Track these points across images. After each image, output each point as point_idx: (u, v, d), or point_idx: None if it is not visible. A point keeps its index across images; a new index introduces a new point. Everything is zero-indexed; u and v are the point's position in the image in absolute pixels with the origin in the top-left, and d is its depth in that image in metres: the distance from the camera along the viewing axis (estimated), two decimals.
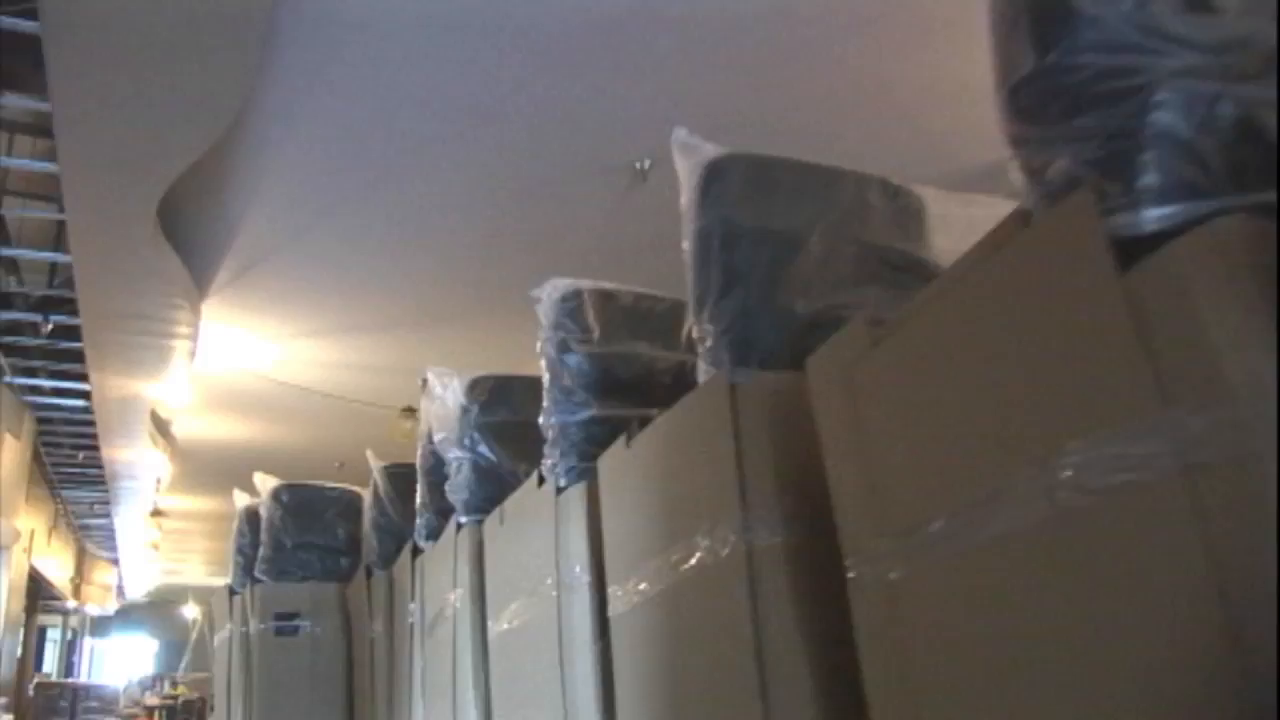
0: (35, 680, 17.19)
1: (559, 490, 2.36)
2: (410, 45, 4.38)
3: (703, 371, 1.83)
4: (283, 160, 5.25)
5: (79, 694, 16.52)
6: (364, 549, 4.76)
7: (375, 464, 4.63)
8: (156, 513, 15.00)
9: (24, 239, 6.27)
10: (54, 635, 24.91)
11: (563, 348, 2.48)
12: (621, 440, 2.08)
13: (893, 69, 4.75)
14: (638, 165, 5.20)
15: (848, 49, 4.57)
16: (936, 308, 1.26)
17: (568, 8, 4.23)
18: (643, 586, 1.90)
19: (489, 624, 2.79)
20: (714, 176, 1.91)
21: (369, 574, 4.60)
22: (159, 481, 12.09)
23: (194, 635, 24.77)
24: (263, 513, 5.44)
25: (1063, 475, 1.04)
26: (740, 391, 1.64)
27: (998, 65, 1.23)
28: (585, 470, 2.29)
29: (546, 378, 2.51)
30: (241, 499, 6.04)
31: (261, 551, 5.35)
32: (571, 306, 2.51)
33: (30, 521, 11.83)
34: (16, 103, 4.26)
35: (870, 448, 1.33)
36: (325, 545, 5.29)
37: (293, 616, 5.13)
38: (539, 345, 2.54)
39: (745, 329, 1.78)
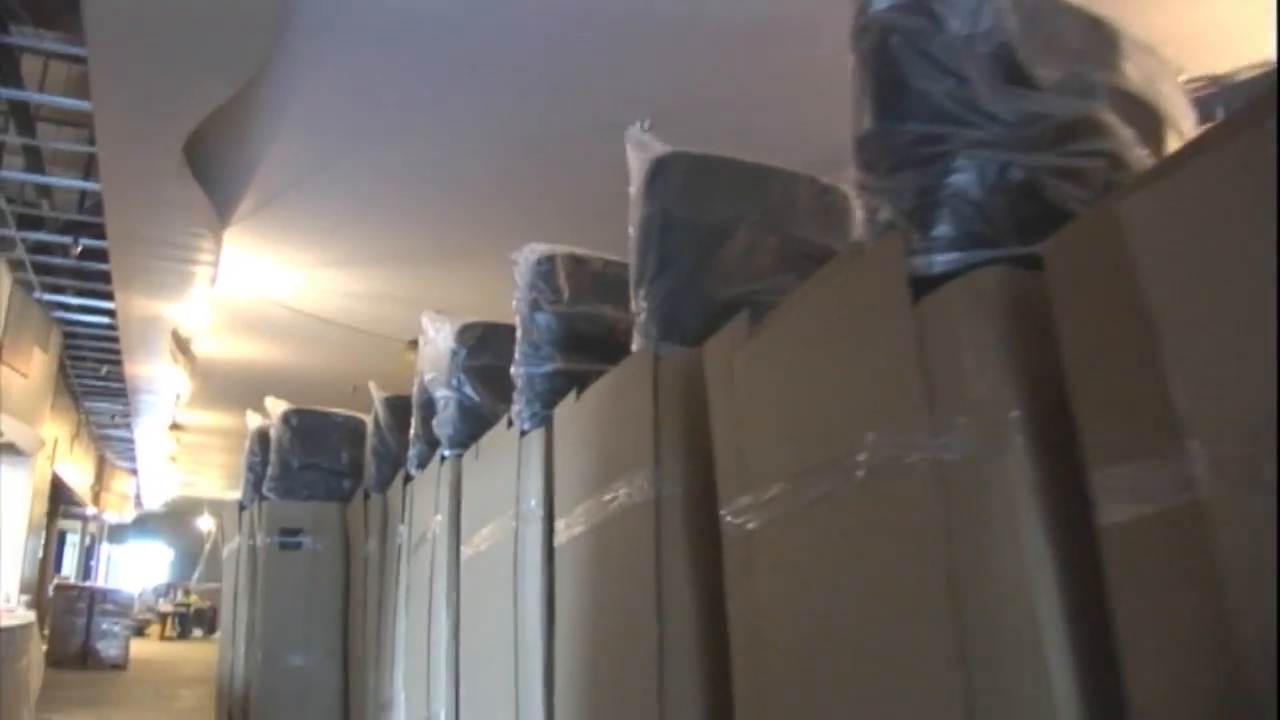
0: (55, 582, 17.72)
1: (522, 433, 2.68)
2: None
3: (636, 341, 2.14)
4: (305, 98, 5.50)
5: (96, 597, 16.97)
6: (364, 473, 5.12)
7: (377, 394, 4.97)
8: (175, 426, 15.44)
9: (57, 163, 6.56)
10: (73, 540, 25.44)
11: (534, 306, 2.78)
12: (573, 394, 2.40)
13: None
14: (642, 124, 5.42)
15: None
16: (792, 313, 1.56)
17: None
18: (581, 521, 2.23)
19: (462, 548, 3.12)
20: (658, 172, 2.20)
21: (366, 496, 4.95)
22: (178, 397, 12.49)
23: (208, 547, 25.40)
24: (272, 434, 5.80)
25: (859, 457, 1.34)
26: (662, 363, 1.94)
27: (853, 121, 1.51)
28: (545, 417, 2.61)
29: (519, 332, 2.81)
30: (254, 420, 6.41)
31: (270, 470, 5.72)
32: (545, 269, 2.81)
33: (54, 430, 12.27)
34: (54, 46, 4.54)
35: (740, 420, 1.64)
36: (329, 468, 5.65)
37: (296, 532, 5.50)
38: (514, 303, 2.85)
39: (672, 308, 2.09)
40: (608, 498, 2.07)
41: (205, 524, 26.76)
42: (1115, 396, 1.09)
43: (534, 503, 2.53)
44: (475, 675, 2.94)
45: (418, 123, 5.73)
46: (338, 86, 5.37)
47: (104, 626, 16.76)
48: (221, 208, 6.47)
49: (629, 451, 2.00)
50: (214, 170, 5.93)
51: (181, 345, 9.79)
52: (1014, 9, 1.42)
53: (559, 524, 2.37)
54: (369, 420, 5.15)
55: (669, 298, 2.09)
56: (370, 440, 5.00)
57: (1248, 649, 0.90)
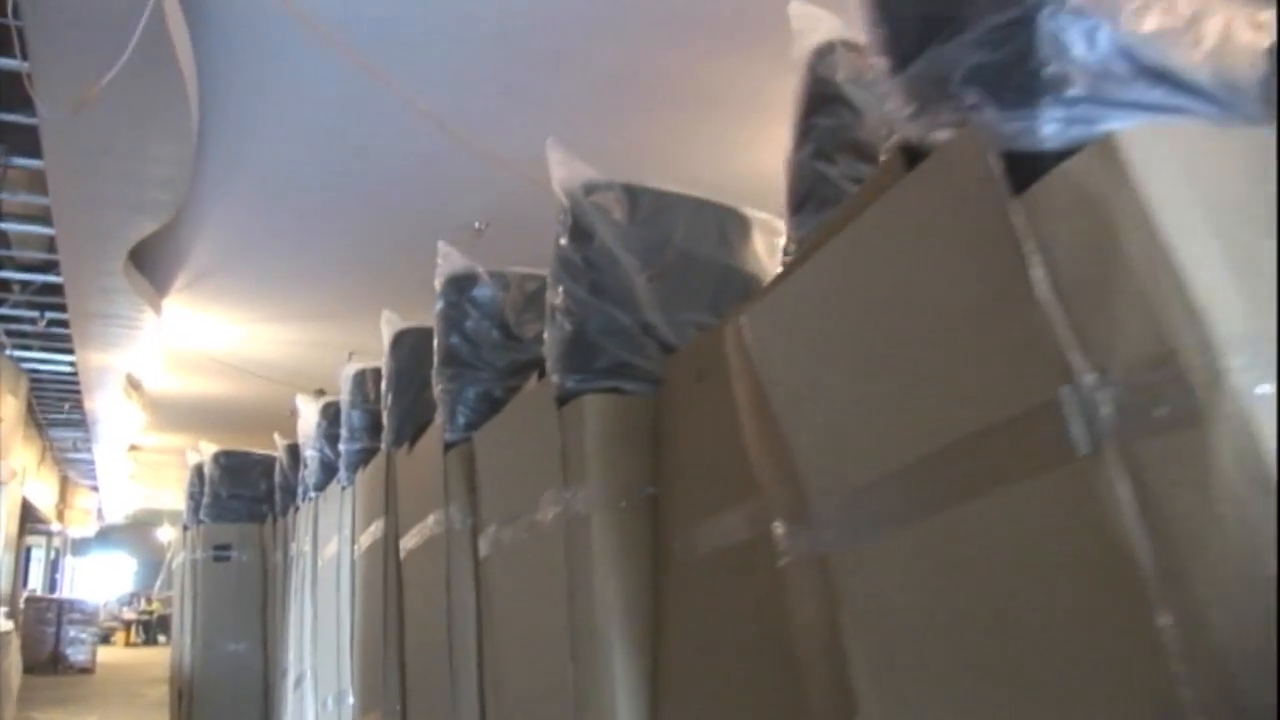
0: (25, 595, 19.03)
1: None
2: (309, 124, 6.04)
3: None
4: (226, 206, 7.04)
5: (64, 607, 18.33)
6: (275, 499, 6.67)
7: (279, 441, 6.54)
8: (134, 448, 16.87)
9: (26, 247, 8.04)
10: (38, 555, 26.34)
11: (350, 405, 4.34)
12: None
13: None
14: (476, 225, 6.97)
15: None
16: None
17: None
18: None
19: (318, 557, 4.68)
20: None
21: (275, 519, 6.51)
22: (135, 425, 13.97)
23: (169, 557, 26.63)
24: (205, 471, 7.35)
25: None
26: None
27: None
28: (351, 479, 4.18)
29: (343, 420, 4.38)
30: (193, 457, 7.94)
31: (204, 499, 7.27)
32: (358, 378, 4.37)
33: (22, 457, 13.72)
34: (22, 162, 5.89)
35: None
36: (250, 496, 7.20)
37: (226, 548, 7.06)
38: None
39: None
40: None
41: (165, 534, 27.68)
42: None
43: (348, 527, 4.12)
44: (321, 640, 4.53)
45: (317, 220, 7.29)
46: (251, 196, 6.90)
47: (72, 634, 18.10)
48: (160, 285, 8.00)
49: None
50: (152, 257, 7.44)
51: (134, 384, 11.28)
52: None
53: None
54: (279, 457, 6.71)
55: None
56: (277, 477, 6.57)
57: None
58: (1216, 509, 0.86)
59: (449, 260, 3.01)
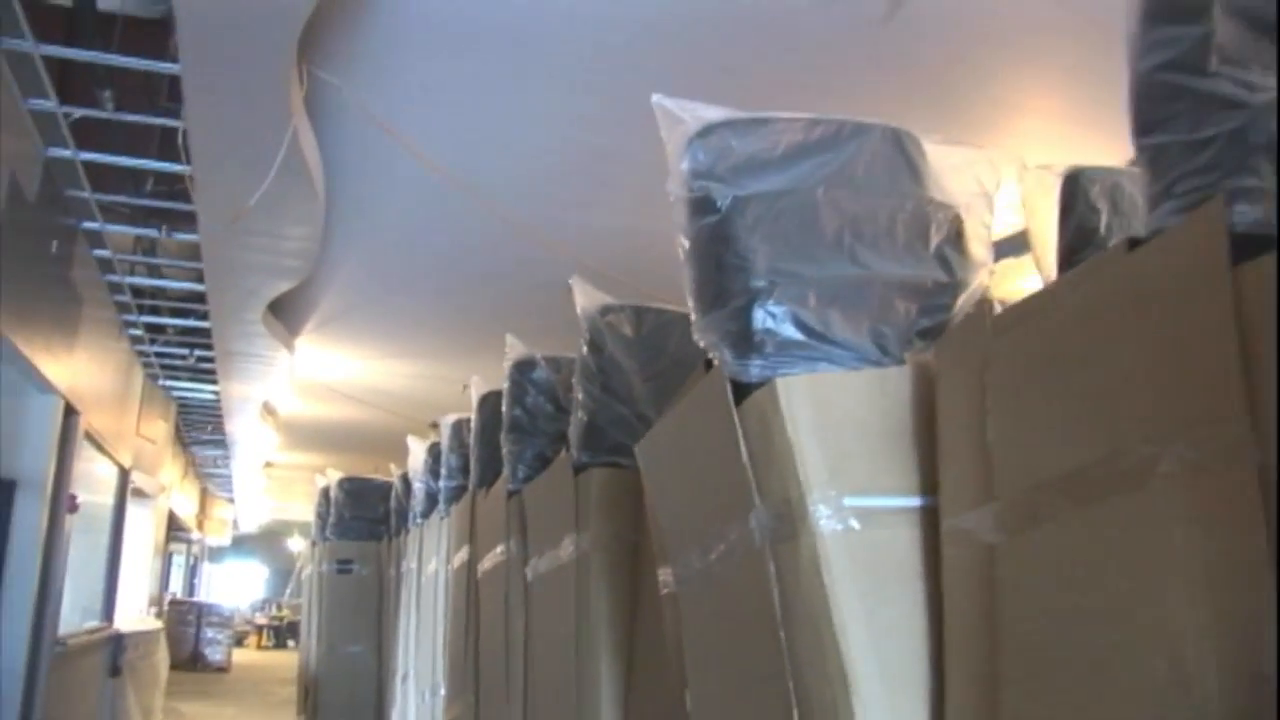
0: (169, 598, 20.55)
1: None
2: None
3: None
4: (348, 264, 8.04)
5: (203, 610, 19.85)
6: (390, 521, 7.65)
7: (395, 470, 7.51)
8: (269, 464, 18.21)
9: (179, 299, 9.18)
10: (178, 561, 28.05)
11: (444, 455, 5.23)
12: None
13: None
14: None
15: None
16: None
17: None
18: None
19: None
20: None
21: (391, 538, 7.48)
22: (269, 445, 15.23)
23: (298, 567, 28.06)
24: (331, 494, 8.39)
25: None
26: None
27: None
28: (446, 511, 5.07)
29: (442, 461, 5.27)
30: (321, 481, 9.01)
31: (330, 519, 8.30)
32: (454, 432, 5.26)
33: (169, 471, 15.08)
34: (181, 236, 6.97)
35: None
36: (369, 517, 8.20)
37: (348, 562, 8.07)
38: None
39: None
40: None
41: (295, 544, 29.08)
42: None
43: (444, 550, 5.00)
44: (421, 644, 5.42)
45: (430, 275, 8.25)
46: (371, 257, 7.89)
47: (210, 635, 19.55)
48: (293, 328, 9.08)
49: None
50: (287, 305, 8.49)
51: (270, 410, 12.46)
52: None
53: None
54: (394, 487, 7.69)
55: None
56: (392, 502, 7.54)
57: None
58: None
59: (514, 349, 3.86)
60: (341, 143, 5.51)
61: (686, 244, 1.92)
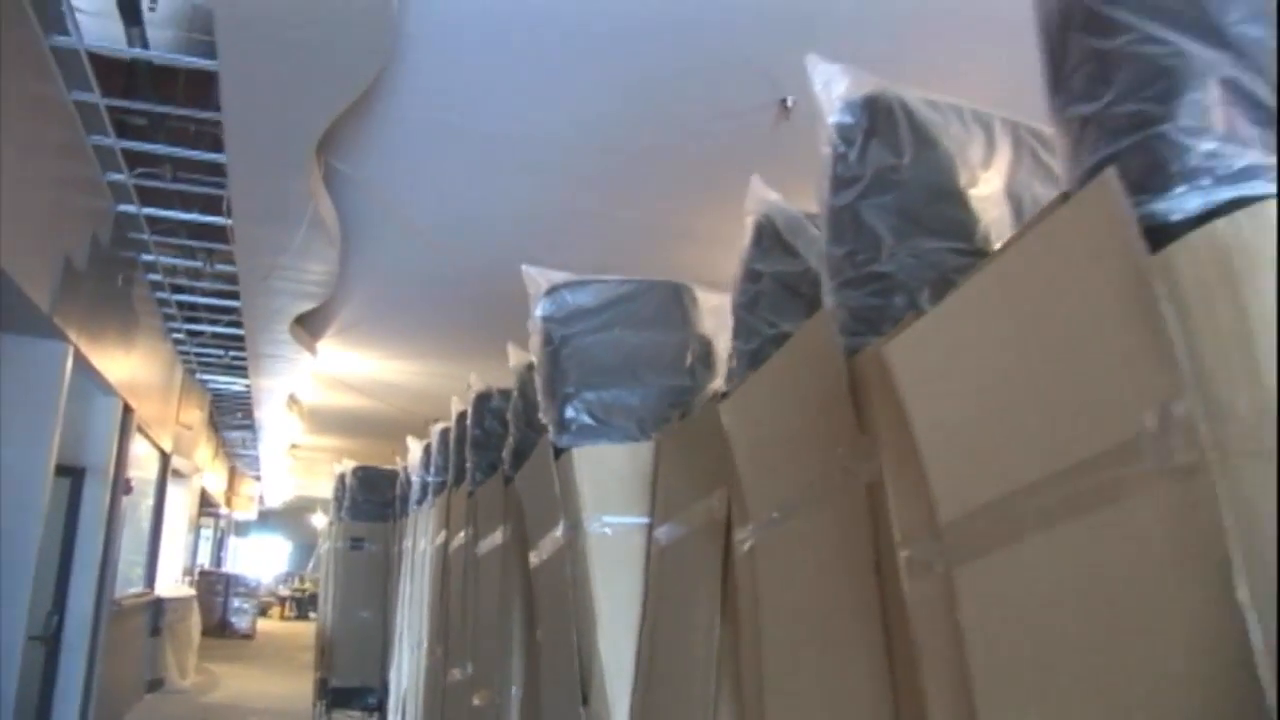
0: (199, 569, 21.90)
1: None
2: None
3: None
4: (363, 285, 9.27)
5: (230, 581, 21.21)
6: (396, 505, 8.86)
7: (399, 462, 8.74)
8: (294, 446, 19.53)
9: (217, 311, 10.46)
10: (206, 534, 29.20)
11: (456, 439, 6.46)
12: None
13: None
14: None
15: None
16: None
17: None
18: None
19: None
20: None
21: (396, 519, 8.71)
22: (294, 430, 16.53)
23: (320, 543, 29.26)
24: (345, 480, 9.63)
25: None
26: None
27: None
28: (434, 499, 6.29)
29: (449, 451, 6.49)
30: (337, 468, 10.25)
31: (345, 502, 9.54)
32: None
33: (202, 453, 16.42)
34: (220, 267, 8.27)
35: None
36: (379, 501, 9.42)
37: (360, 540, 9.30)
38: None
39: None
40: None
41: (318, 521, 30.17)
42: None
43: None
44: (412, 608, 6.65)
45: (436, 292, 9.47)
46: (384, 278, 9.11)
47: (237, 604, 20.90)
48: (315, 333, 10.34)
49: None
50: (311, 315, 9.74)
51: (295, 400, 13.76)
52: None
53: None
54: (399, 476, 8.92)
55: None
56: (398, 489, 8.77)
57: None
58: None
59: (475, 385, 5.06)
60: (354, 200, 6.74)
61: (535, 361, 3.13)
